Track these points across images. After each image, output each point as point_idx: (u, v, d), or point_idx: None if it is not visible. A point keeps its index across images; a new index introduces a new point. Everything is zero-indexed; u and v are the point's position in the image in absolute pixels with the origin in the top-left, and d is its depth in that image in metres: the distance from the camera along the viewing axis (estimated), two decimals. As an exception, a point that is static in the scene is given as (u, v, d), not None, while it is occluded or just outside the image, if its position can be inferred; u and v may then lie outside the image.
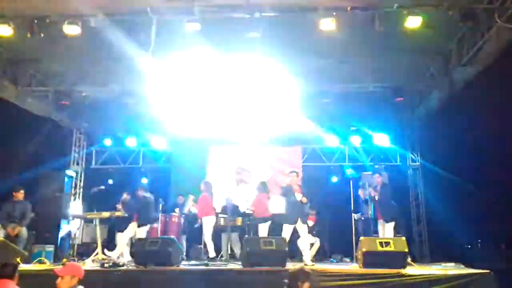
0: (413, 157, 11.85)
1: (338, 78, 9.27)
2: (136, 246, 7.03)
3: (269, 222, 8.23)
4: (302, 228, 7.29)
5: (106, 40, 8.15)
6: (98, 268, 6.46)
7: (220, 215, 9.47)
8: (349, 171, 11.74)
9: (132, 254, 7.68)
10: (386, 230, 7.63)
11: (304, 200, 7.40)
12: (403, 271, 6.04)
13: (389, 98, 9.19)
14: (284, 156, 12.15)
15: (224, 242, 8.79)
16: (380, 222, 7.82)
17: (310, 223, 9.12)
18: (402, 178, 11.79)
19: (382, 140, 11.78)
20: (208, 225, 8.32)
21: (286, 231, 7.20)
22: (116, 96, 9.65)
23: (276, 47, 8.42)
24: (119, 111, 10.23)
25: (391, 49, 8.72)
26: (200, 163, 12.16)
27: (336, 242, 9.80)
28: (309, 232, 9.01)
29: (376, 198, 7.92)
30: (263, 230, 8.15)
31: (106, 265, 6.49)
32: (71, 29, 7.17)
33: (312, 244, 8.86)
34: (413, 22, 6.78)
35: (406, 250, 6.31)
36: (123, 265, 6.51)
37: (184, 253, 8.66)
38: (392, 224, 7.69)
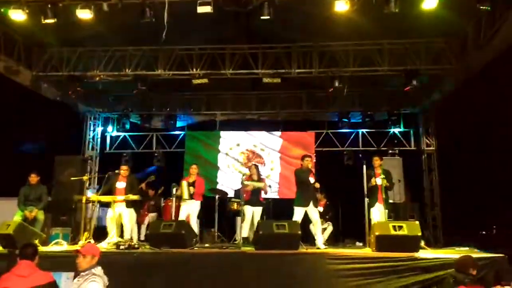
0: (427, 141, 11.71)
1: (353, 61, 9.13)
2: (151, 228, 7.14)
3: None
4: (313, 212, 7.30)
5: (120, 25, 8.23)
6: (114, 250, 6.58)
7: (233, 199, 9.58)
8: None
9: (146, 236, 7.80)
10: (381, 215, 7.36)
11: (317, 185, 7.40)
12: (416, 254, 6.01)
13: (404, 82, 9.02)
14: (298, 140, 12.17)
15: (238, 226, 8.87)
16: (378, 206, 7.47)
17: (320, 208, 9.18)
18: (417, 163, 11.70)
19: (396, 124, 11.71)
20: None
21: (298, 214, 7.22)
22: (129, 81, 9.68)
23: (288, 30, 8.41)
24: (133, 96, 10.27)
25: (407, 31, 8.62)
26: (212, 146, 12.27)
27: (349, 227, 9.80)
28: (321, 217, 9.09)
29: (378, 182, 7.45)
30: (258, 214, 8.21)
31: (122, 247, 6.61)
32: (84, 14, 7.20)
33: (324, 229, 8.89)
34: (430, 3, 6.64)
35: (420, 234, 6.27)
36: (138, 247, 6.62)
37: (198, 237, 8.78)
38: (385, 211, 7.42)
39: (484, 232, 18.10)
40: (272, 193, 10.17)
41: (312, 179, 7.34)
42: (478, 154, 11.31)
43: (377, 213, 7.32)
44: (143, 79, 9.50)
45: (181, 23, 8.44)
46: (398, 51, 9.05)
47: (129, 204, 7.62)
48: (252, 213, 8.22)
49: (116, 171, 7.95)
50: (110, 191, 7.66)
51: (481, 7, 6.80)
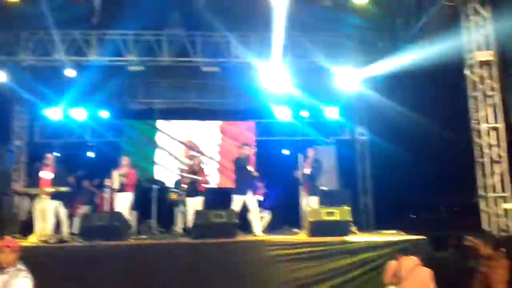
0: (361, 130, 12.26)
1: (291, 51, 9.28)
2: (83, 221, 6.88)
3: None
4: (252, 200, 7.41)
5: (48, 9, 7.77)
6: (43, 244, 6.28)
7: (172, 190, 9.46)
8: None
9: (78, 229, 7.51)
10: (311, 203, 7.63)
11: (256, 174, 7.52)
12: (346, 238, 6.35)
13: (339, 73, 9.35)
14: (237, 130, 12.25)
15: (176, 216, 8.79)
16: (303, 194, 7.81)
17: (260, 197, 9.34)
18: (350, 151, 12.22)
19: (332, 114, 12.14)
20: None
21: (236, 202, 7.29)
22: (60, 67, 9.17)
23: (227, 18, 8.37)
24: (64, 82, 9.76)
25: (342, 24, 8.92)
26: (150, 136, 12.01)
27: (286, 214, 10.05)
28: (259, 206, 9.24)
29: (308, 172, 7.76)
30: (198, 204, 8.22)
31: (51, 241, 6.33)
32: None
33: (262, 217, 9.05)
34: (361, -3, 6.92)
35: (350, 219, 6.62)
36: (68, 241, 6.36)
37: (134, 228, 8.60)
38: (316, 198, 7.76)
39: (414, 216, 19.44)
40: (211, 183, 10.21)
41: (251, 168, 7.44)
42: (406, 143, 12.04)
43: (311, 200, 7.57)
44: (74, 65, 9.03)
45: (115, 7, 8.17)
46: (334, 43, 9.30)
47: (55, 195, 7.28)
48: (193, 203, 8.18)
49: (43, 161, 7.55)
50: (37, 183, 7.26)
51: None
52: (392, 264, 4.87)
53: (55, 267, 5.74)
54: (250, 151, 7.55)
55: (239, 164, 7.46)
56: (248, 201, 7.37)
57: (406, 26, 8.39)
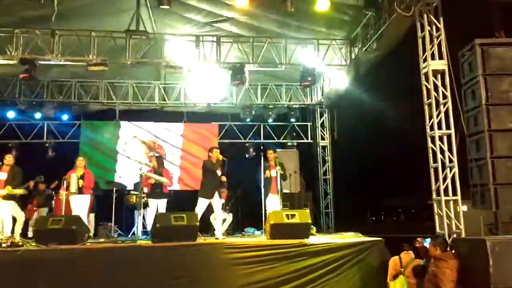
0: (323, 134, 12.49)
1: (254, 56, 9.33)
2: (38, 224, 6.65)
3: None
4: (217, 204, 7.41)
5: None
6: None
7: (132, 192, 9.33)
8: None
9: (33, 233, 7.26)
10: (272, 205, 7.65)
11: (224, 179, 7.61)
12: (306, 240, 6.46)
13: (300, 78, 9.48)
14: (201, 132, 12.21)
15: (137, 219, 8.65)
16: (265, 197, 7.84)
17: (223, 200, 9.34)
18: (312, 154, 12.43)
19: (295, 118, 12.33)
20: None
21: (201, 205, 7.27)
22: (15, 64, 8.84)
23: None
24: (19, 80, 9.42)
25: (304, 31, 9.08)
26: (110, 138, 11.78)
27: (249, 217, 10.10)
28: (222, 208, 9.24)
29: (269, 175, 7.79)
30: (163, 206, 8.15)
31: (3, 245, 6.07)
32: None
33: (224, 220, 9.06)
34: (322, 5, 7.08)
35: (310, 221, 6.73)
36: (22, 245, 6.13)
37: (92, 232, 8.40)
38: (277, 201, 7.65)
39: (373, 218, 20.00)
40: (174, 185, 10.13)
41: (219, 172, 7.45)
42: (367, 148, 12.41)
43: (272, 203, 7.65)
44: (32, 63, 8.71)
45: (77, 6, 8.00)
46: (295, 49, 9.43)
47: (8, 196, 7.03)
48: (157, 206, 8.08)
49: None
50: None
51: (367, 12, 7.45)
52: (393, 260, 5.88)
53: (7, 271, 5.56)
54: (218, 155, 7.53)
55: (207, 167, 7.46)
56: (214, 204, 7.37)
57: (366, 35, 8.65)
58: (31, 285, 5.55)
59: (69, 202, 7.65)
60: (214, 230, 7.65)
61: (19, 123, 11.71)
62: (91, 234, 8.09)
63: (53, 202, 9.54)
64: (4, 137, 11.59)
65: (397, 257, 5.87)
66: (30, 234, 8.37)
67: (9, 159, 7.26)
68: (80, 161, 7.86)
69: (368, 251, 6.51)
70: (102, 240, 7.72)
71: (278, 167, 7.70)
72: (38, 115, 11.48)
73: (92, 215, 8.98)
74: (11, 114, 11.41)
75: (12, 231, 7.17)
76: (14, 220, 7.32)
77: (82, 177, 7.64)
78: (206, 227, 8.29)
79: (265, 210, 7.62)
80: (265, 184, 7.78)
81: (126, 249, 6.45)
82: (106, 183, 10.00)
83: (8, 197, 7.05)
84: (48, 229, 6.22)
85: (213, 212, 7.61)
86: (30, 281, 5.57)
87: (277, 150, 10.36)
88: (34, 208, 9.53)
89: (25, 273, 5.61)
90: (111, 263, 5.90)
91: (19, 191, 7.15)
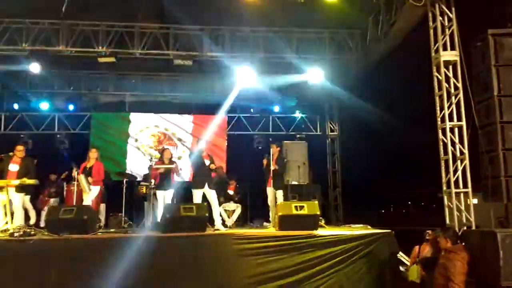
0: (331, 127, 12.44)
1: (263, 47, 9.29)
2: (49, 214, 6.74)
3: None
4: (210, 193, 7.43)
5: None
6: (8, 237, 6.13)
7: (142, 183, 9.39)
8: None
9: (45, 222, 7.36)
10: (277, 196, 7.78)
11: (213, 166, 7.60)
12: (314, 232, 6.46)
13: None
14: (210, 124, 12.20)
15: (147, 210, 8.71)
16: (269, 189, 7.94)
17: (231, 192, 9.39)
18: (321, 147, 12.41)
19: (304, 110, 12.30)
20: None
21: (197, 196, 7.33)
22: (26, 56, 8.91)
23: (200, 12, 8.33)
24: (28, 72, 9.49)
25: (313, 22, 9.00)
26: (120, 129, 11.85)
27: (258, 208, 10.12)
28: (230, 199, 9.30)
29: (272, 167, 7.79)
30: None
31: (16, 234, 6.17)
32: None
33: (233, 211, 9.11)
34: (333, -5, 7.01)
35: (318, 213, 6.73)
36: (35, 234, 6.22)
37: (103, 222, 8.50)
38: (280, 191, 7.86)
39: (382, 211, 19.94)
40: (183, 176, 10.18)
41: (207, 161, 7.50)
42: (376, 139, 12.31)
43: (281, 195, 7.67)
44: (42, 55, 8.78)
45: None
46: (305, 40, 9.38)
47: (20, 188, 7.11)
48: (164, 197, 8.13)
49: (11, 153, 7.34)
50: (2, 175, 7.06)
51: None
52: (414, 249, 6.19)
53: (20, 260, 5.64)
54: (204, 145, 7.61)
55: (194, 159, 7.54)
56: (207, 194, 7.42)
57: (376, 25, 8.55)
58: (43, 274, 5.63)
59: (81, 192, 7.74)
60: (225, 222, 7.69)
61: (30, 114, 11.83)
62: (102, 224, 8.20)
63: (64, 192, 9.65)
64: (16, 128, 11.72)
65: (417, 246, 6.18)
66: (42, 224, 8.49)
67: (21, 149, 7.33)
68: (93, 153, 7.93)
69: (377, 243, 6.48)
70: (112, 230, 7.79)
71: (280, 160, 7.77)
72: (46, 106, 11.56)
73: (103, 206, 9.07)
74: (22, 106, 11.49)
75: (26, 221, 7.27)
76: (26, 212, 7.42)
77: (90, 169, 7.69)
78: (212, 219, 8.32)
79: (269, 202, 7.77)
80: (273, 176, 7.80)
81: (136, 239, 6.48)
82: (116, 174, 10.08)
83: (19, 189, 7.12)
84: (60, 218, 6.31)
85: (221, 204, 7.64)
86: (42, 270, 5.65)
87: (286, 142, 10.41)
88: (46, 199, 9.63)
89: (37, 262, 5.69)
90: (121, 253, 5.95)
91: (31, 181, 7.23)
